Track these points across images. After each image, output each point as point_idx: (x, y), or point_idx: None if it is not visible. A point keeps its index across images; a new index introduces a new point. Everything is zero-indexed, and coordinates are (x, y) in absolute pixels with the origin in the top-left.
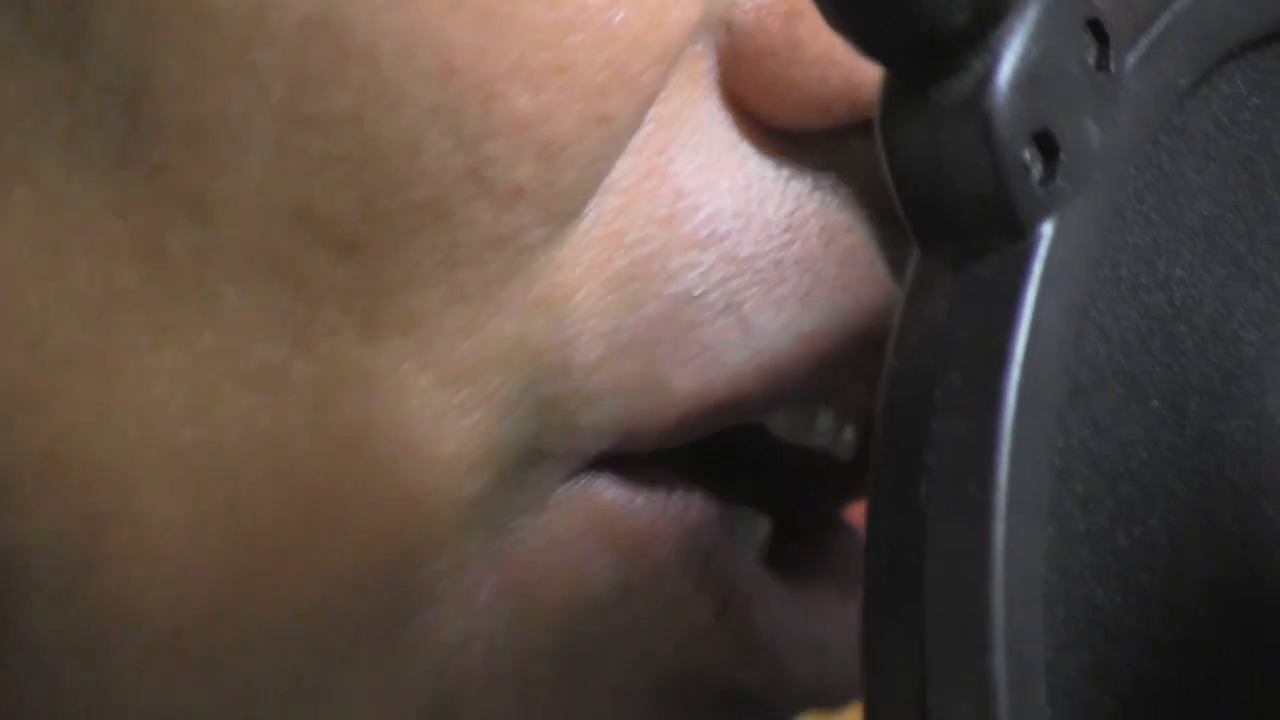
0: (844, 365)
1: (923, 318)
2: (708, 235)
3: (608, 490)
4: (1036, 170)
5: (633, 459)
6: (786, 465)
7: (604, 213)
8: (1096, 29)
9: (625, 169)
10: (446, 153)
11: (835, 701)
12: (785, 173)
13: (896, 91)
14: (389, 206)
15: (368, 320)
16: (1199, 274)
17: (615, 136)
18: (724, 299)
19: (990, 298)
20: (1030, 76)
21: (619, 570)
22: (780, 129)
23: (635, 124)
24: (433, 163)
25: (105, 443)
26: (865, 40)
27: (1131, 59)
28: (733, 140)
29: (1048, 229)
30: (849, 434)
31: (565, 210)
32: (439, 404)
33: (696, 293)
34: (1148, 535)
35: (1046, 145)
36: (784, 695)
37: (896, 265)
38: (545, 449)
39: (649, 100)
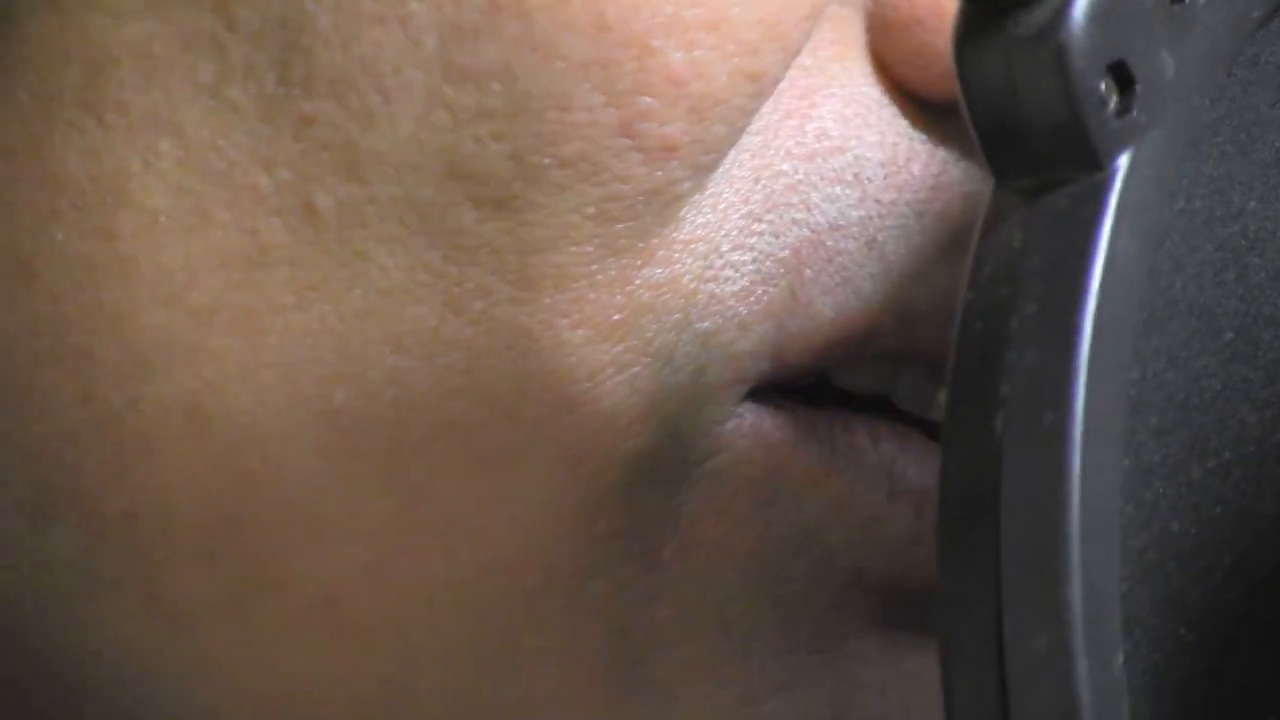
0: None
1: (998, 248)
2: (853, 176)
3: (774, 431)
4: (1112, 102)
5: (783, 396)
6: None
7: (743, 152)
8: None
9: (765, 110)
10: (598, 107)
11: None
12: (932, 137)
13: (972, 22)
14: (540, 161)
15: (520, 278)
16: (1272, 206)
17: (763, 92)
18: (864, 235)
19: (1066, 229)
20: (1105, 8)
21: (806, 506)
22: (926, 97)
23: (780, 78)
24: (584, 117)
25: (251, 401)
26: None
27: None
28: (881, 100)
29: (1123, 161)
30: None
31: (713, 162)
32: (596, 359)
33: (839, 224)
34: (1221, 467)
35: (1122, 77)
36: None
37: None
38: (707, 387)
39: (795, 55)
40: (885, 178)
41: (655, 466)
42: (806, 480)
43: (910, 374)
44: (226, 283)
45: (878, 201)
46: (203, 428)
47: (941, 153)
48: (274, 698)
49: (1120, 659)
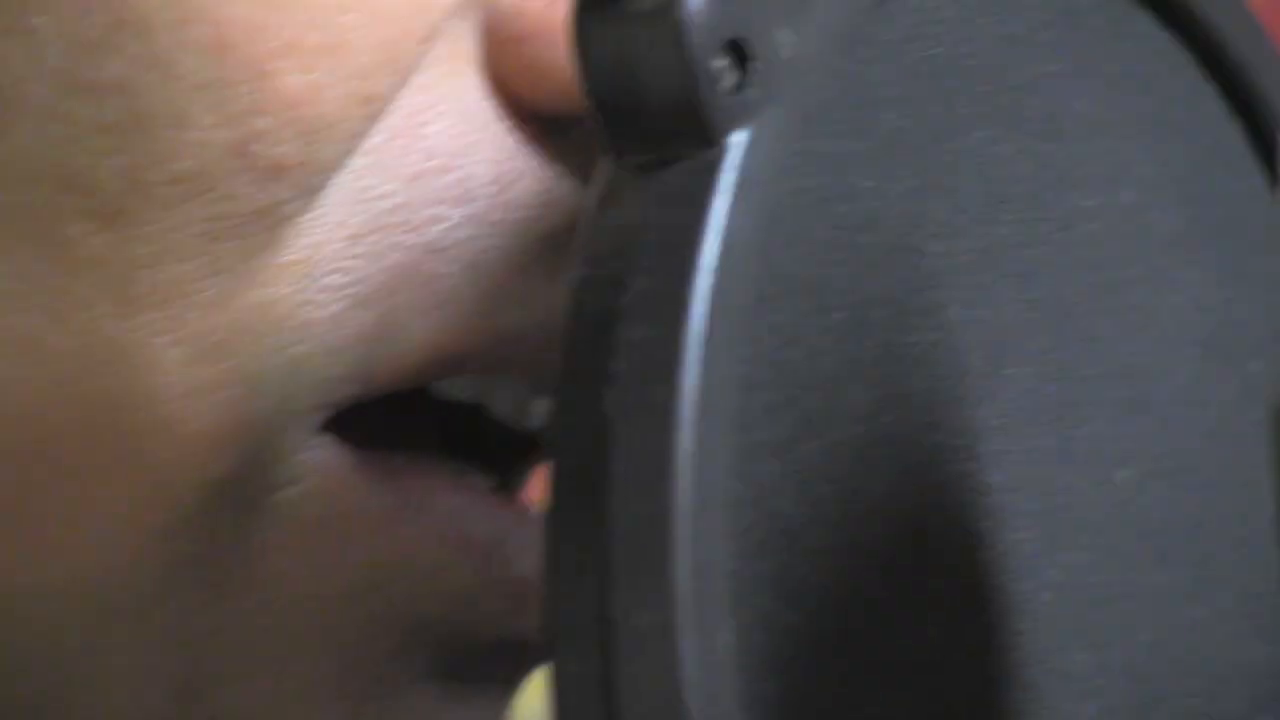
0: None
1: (611, 223)
2: (459, 194)
3: (349, 471)
4: (728, 79)
5: (363, 421)
6: (509, 446)
7: (347, 173)
8: None
9: (373, 130)
10: (212, 127)
11: None
12: (544, 154)
13: None
14: (152, 177)
15: (124, 293)
16: (885, 185)
17: (375, 115)
18: (466, 257)
19: (680, 204)
20: None
21: (372, 552)
22: (539, 112)
23: (392, 101)
24: (198, 136)
25: None
26: None
27: None
28: (493, 117)
29: (739, 138)
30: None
31: (322, 183)
32: (190, 380)
33: (440, 246)
34: (831, 446)
35: (739, 54)
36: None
37: None
38: (291, 414)
39: (409, 76)
40: (492, 196)
41: (235, 494)
42: (375, 526)
43: (507, 385)
44: None
45: (484, 222)
46: None
47: (552, 170)
48: None
49: (728, 637)
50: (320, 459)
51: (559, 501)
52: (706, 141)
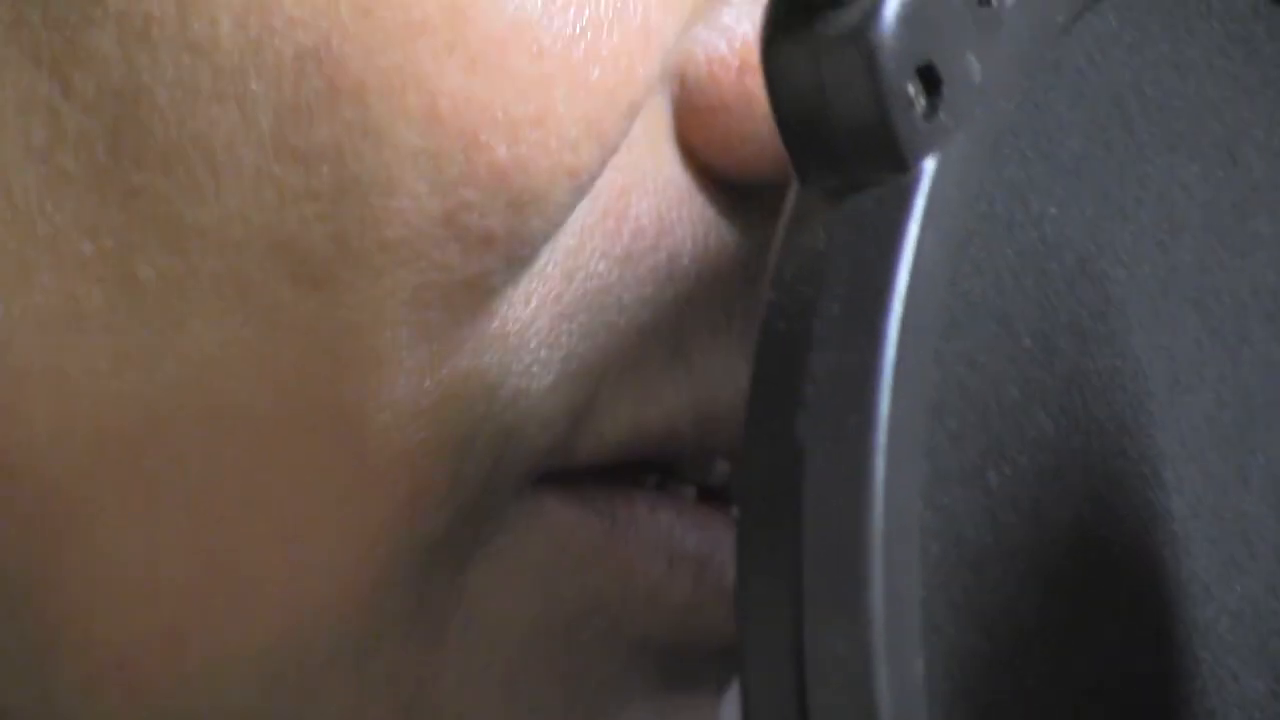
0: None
1: (802, 249)
2: (666, 275)
3: (557, 509)
4: (920, 104)
5: (569, 475)
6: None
7: (558, 250)
8: None
9: (583, 209)
10: (423, 195)
11: None
12: (740, 223)
13: (781, 21)
14: (362, 244)
15: (333, 358)
16: (1070, 211)
17: (581, 189)
18: (674, 337)
19: (872, 230)
20: (915, 9)
21: (589, 579)
22: (733, 180)
23: (599, 175)
24: (409, 204)
25: (60, 463)
26: None
27: None
28: (690, 188)
29: (930, 164)
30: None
31: (528, 256)
32: (400, 444)
33: (649, 328)
34: (1017, 473)
35: (930, 79)
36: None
37: None
38: (502, 476)
39: (614, 152)
40: (696, 275)
41: (446, 548)
42: (589, 553)
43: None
44: (43, 345)
45: (688, 300)
46: (12, 485)
47: (751, 236)
48: None
49: (920, 665)
50: (527, 508)
51: (751, 529)
52: (898, 167)
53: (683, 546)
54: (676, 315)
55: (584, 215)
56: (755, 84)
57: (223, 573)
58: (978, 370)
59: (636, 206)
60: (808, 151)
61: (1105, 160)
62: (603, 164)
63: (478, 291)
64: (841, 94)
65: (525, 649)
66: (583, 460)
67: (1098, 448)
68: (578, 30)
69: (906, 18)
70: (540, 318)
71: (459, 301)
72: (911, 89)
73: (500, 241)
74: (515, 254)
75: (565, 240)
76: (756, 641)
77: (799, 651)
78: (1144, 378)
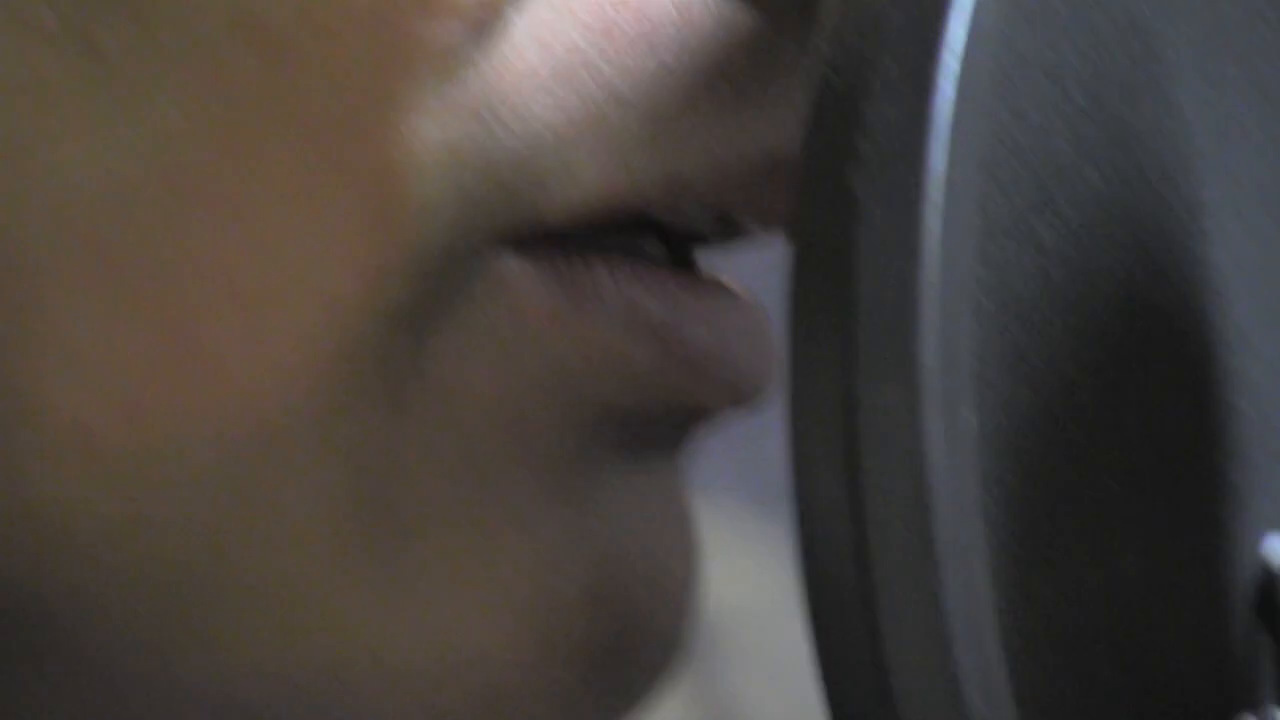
0: (749, 186)
1: (858, 4)
2: (646, 46)
3: (518, 276)
4: None
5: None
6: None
7: (533, 22)
8: None
9: None
10: None
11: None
12: None
13: None
14: (325, 15)
15: (296, 130)
16: None
17: None
18: (647, 108)
19: None
20: None
21: (550, 347)
22: None
23: None
24: None
25: (19, 230)
26: None
27: None
28: None
29: None
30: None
31: (493, 22)
32: (362, 209)
33: (625, 98)
34: (1066, 227)
35: None
36: (738, 393)
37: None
38: (465, 243)
39: None
40: (674, 35)
41: (410, 317)
42: (548, 321)
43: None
44: (2, 112)
45: (667, 72)
46: None
47: (728, 10)
48: (28, 521)
49: (973, 418)
50: (496, 276)
51: (805, 279)
52: None
53: (645, 314)
54: (654, 86)
55: None
56: None
57: (183, 342)
58: (1029, 124)
59: None
60: None
61: None
62: None
63: (445, 61)
64: None
65: (487, 419)
66: (549, 225)
67: (1143, 200)
68: None
69: None
70: (512, 90)
71: (425, 71)
72: None
73: (467, 8)
74: (481, 19)
75: (541, 11)
76: (806, 393)
77: (851, 403)
78: (1190, 132)
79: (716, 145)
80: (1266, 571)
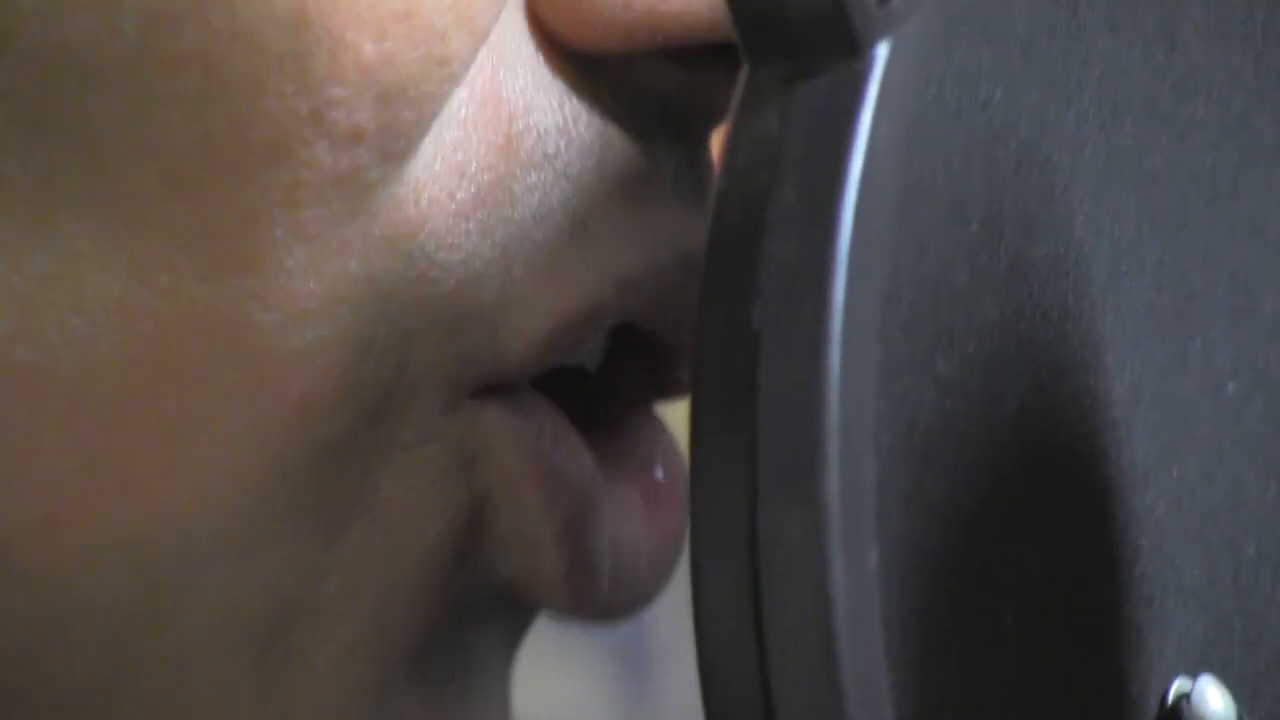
0: (671, 286)
1: (754, 135)
2: (541, 156)
3: (489, 423)
4: None
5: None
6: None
7: (444, 146)
8: None
9: (461, 99)
10: (290, 95)
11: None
12: (590, 93)
13: None
14: (230, 146)
15: (206, 258)
16: (1017, 96)
17: (453, 77)
18: (566, 216)
19: (826, 116)
20: None
21: (505, 502)
22: (580, 48)
23: (471, 62)
24: (275, 105)
25: None
26: None
27: None
28: (541, 60)
29: (883, 49)
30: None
31: (403, 149)
32: (287, 344)
33: (542, 213)
34: (964, 360)
35: None
36: (597, 616)
37: (686, 191)
38: (412, 383)
39: (485, 38)
40: (565, 148)
41: (351, 449)
42: (500, 477)
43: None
44: None
45: (567, 178)
46: None
47: (601, 106)
48: None
49: (874, 554)
50: (466, 419)
51: (705, 416)
52: (851, 53)
53: (578, 501)
54: (563, 196)
55: (463, 105)
56: None
57: (100, 461)
58: (928, 256)
59: (507, 87)
60: (759, 37)
61: (1049, 44)
62: (474, 50)
63: (352, 188)
64: None
65: (417, 568)
66: (514, 361)
67: (1041, 334)
68: None
69: None
70: (433, 219)
71: (334, 199)
72: None
73: (370, 135)
74: (388, 148)
75: (450, 134)
76: (710, 535)
77: (754, 539)
78: (1086, 263)
79: (647, 243)
80: (1171, 715)
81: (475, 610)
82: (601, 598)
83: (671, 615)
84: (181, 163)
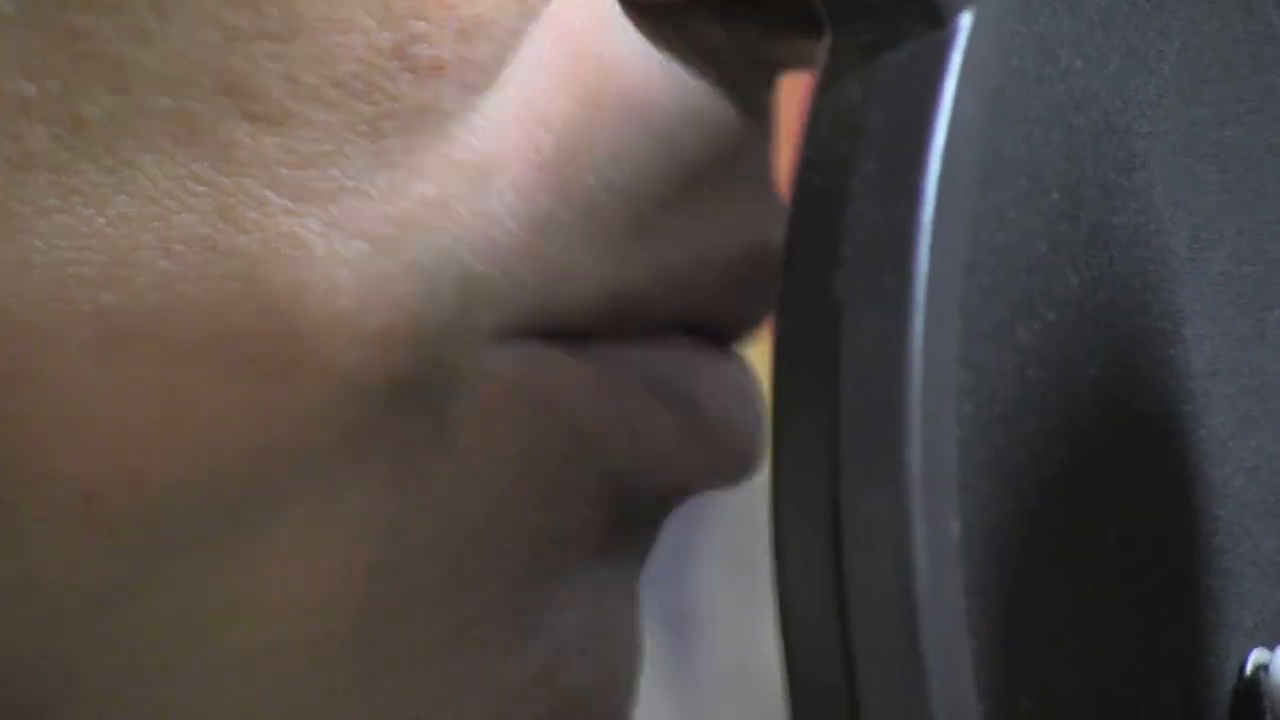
0: (728, 281)
1: (837, 104)
2: (625, 118)
3: (544, 355)
4: None
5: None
6: None
7: (530, 91)
8: None
9: (543, 43)
10: (372, 30)
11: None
12: (663, 46)
13: None
14: (314, 81)
15: (294, 190)
16: (1096, 65)
17: (532, 11)
18: (635, 193)
19: (908, 85)
20: None
21: (578, 424)
22: (665, 6)
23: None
24: (359, 39)
25: (17, 300)
26: None
27: None
28: (616, 13)
29: (965, 18)
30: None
31: (483, 82)
32: (368, 272)
33: (616, 186)
34: (1045, 330)
35: None
36: (742, 469)
37: (750, 172)
38: (472, 323)
39: None
40: (645, 106)
41: (424, 391)
42: (576, 402)
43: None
44: None
45: (649, 134)
46: None
47: (677, 63)
48: (25, 593)
49: (957, 525)
50: (509, 355)
51: (787, 385)
52: (934, 21)
53: (669, 388)
54: (634, 168)
55: (546, 50)
56: None
57: (186, 411)
58: (1008, 226)
59: (597, 41)
60: (843, 7)
61: (1129, 13)
62: None
63: (434, 117)
64: None
65: (501, 493)
66: (557, 326)
67: (1121, 304)
68: None
69: None
70: (516, 163)
71: (416, 128)
72: None
73: (451, 68)
74: (468, 80)
75: (536, 80)
76: (792, 500)
77: (836, 512)
78: (1165, 233)
79: (695, 237)
80: (1249, 686)
81: (590, 516)
82: (724, 454)
83: (715, 583)
84: (265, 99)
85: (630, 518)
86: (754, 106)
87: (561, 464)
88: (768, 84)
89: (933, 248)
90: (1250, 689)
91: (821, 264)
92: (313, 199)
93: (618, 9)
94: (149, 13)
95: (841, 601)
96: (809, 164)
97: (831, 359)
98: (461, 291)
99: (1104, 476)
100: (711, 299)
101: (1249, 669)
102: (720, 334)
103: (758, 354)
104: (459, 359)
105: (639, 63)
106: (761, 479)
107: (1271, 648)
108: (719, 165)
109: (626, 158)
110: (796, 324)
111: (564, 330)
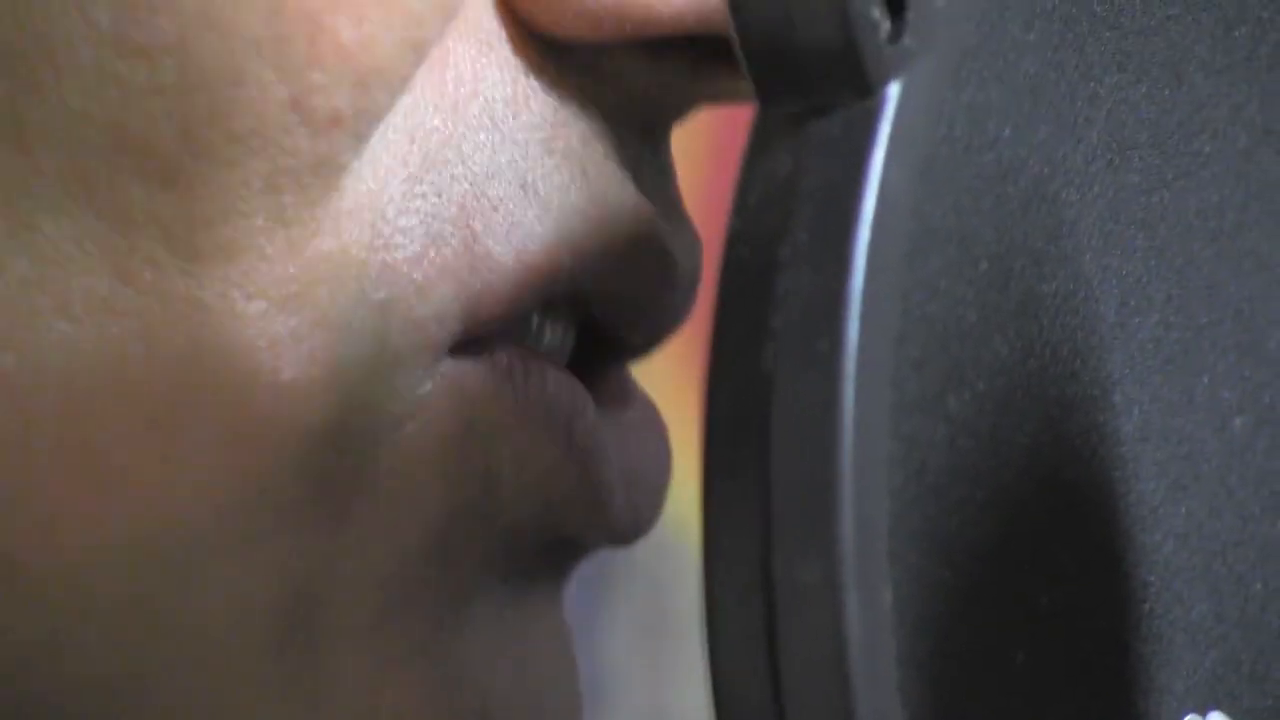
0: (602, 259)
1: (766, 175)
2: (489, 120)
3: (472, 382)
4: (884, 28)
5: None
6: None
7: (397, 113)
8: None
9: (420, 70)
10: (269, 83)
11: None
12: (549, 73)
13: None
14: (209, 137)
15: (190, 251)
16: (1025, 133)
17: (424, 59)
18: (516, 178)
19: (838, 155)
20: None
21: (491, 456)
22: (544, 34)
23: (439, 40)
24: (255, 93)
25: None
26: None
27: None
28: (503, 38)
29: (894, 88)
30: (560, 336)
31: (373, 131)
32: (273, 331)
33: (492, 170)
34: (975, 399)
35: (894, 2)
36: (620, 532)
37: (645, 180)
38: (394, 356)
39: (455, 16)
40: (512, 118)
41: (344, 435)
42: (498, 429)
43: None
44: None
45: (514, 142)
46: None
47: (559, 88)
48: None
49: (889, 594)
50: (440, 387)
51: (717, 455)
52: (863, 92)
53: (575, 435)
54: (511, 158)
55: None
56: None
57: (95, 463)
58: (938, 295)
59: (455, 53)
60: (771, 75)
61: (1057, 81)
62: (443, 31)
63: (328, 170)
64: (807, 19)
65: (421, 529)
66: (485, 319)
67: (1051, 371)
68: None
69: None
70: (390, 186)
71: (311, 184)
72: (876, 12)
73: (348, 120)
74: (362, 131)
75: (400, 101)
76: (725, 570)
77: (769, 581)
78: (1095, 300)
79: (601, 217)
80: None
81: (508, 557)
82: (618, 514)
83: (624, 646)
84: (161, 156)
85: (537, 568)
86: (658, 129)
87: (475, 503)
88: (666, 119)
89: (863, 318)
90: None
91: (752, 335)
92: (208, 260)
93: (502, 36)
94: (47, 70)
95: (774, 670)
96: (738, 236)
97: (763, 429)
98: (377, 329)
99: (1035, 544)
100: (613, 276)
101: None
102: (633, 327)
103: (674, 406)
104: (382, 399)
105: (506, 77)
106: (669, 543)
107: (1203, 712)
108: (606, 170)
109: (499, 147)
110: (727, 394)
111: (489, 324)
